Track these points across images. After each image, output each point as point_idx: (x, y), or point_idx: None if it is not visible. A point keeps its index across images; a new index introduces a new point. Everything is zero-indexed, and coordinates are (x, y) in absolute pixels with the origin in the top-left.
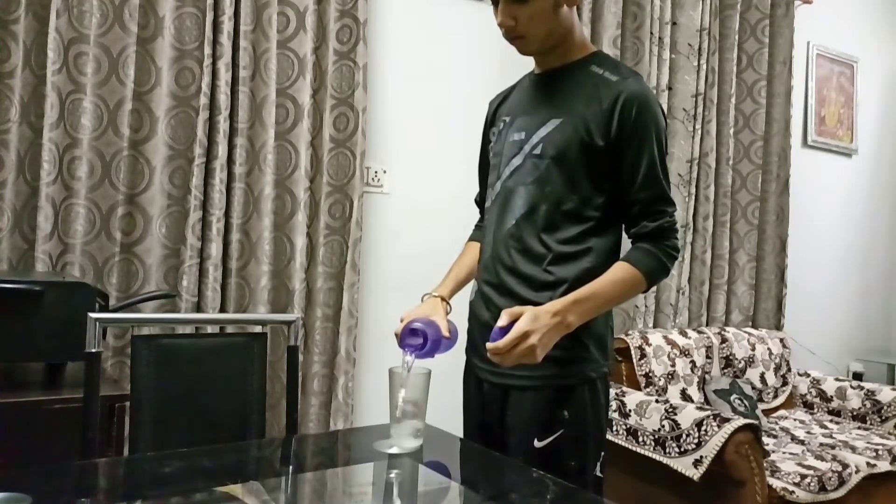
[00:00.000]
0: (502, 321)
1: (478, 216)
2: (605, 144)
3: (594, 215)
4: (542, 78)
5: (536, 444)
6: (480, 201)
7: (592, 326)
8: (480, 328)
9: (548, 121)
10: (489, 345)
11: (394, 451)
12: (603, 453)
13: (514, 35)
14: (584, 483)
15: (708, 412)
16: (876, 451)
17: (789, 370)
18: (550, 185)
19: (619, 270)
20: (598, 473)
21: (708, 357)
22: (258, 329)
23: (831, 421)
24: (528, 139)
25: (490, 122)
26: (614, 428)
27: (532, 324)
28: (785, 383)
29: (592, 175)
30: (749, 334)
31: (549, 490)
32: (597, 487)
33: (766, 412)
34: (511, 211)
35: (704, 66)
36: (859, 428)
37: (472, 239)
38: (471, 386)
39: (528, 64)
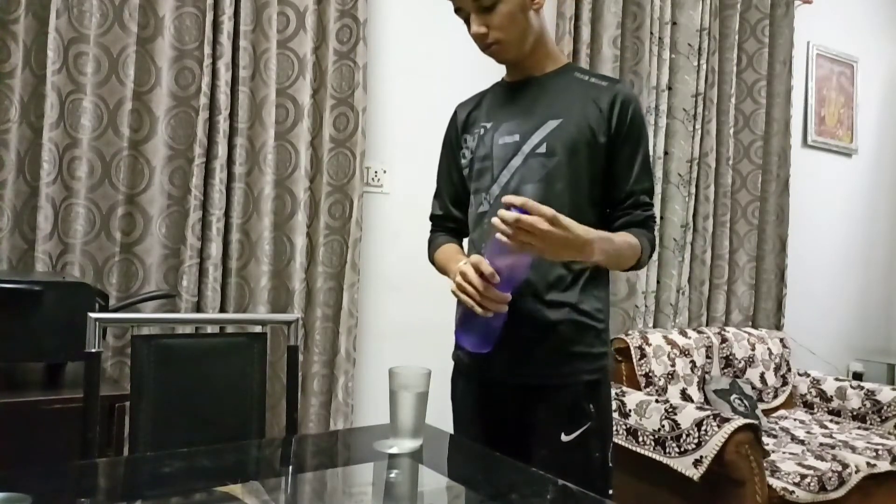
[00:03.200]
0: (517, 201)
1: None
2: (606, 141)
3: (590, 216)
4: (521, 86)
5: (564, 438)
6: (444, 215)
7: (605, 320)
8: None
9: (544, 122)
10: (530, 204)
11: (394, 451)
12: (612, 443)
13: (488, 43)
14: (604, 473)
15: (708, 412)
16: (876, 451)
17: (789, 370)
18: (561, 181)
19: (625, 235)
20: (610, 463)
21: (708, 357)
22: (258, 329)
23: (831, 421)
24: (524, 140)
25: (462, 129)
26: (614, 428)
27: (568, 220)
28: (785, 383)
29: (593, 173)
30: (749, 334)
31: (548, 490)
32: (610, 477)
33: (766, 412)
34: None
35: (704, 66)
36: (859, 428)
37: (442, 242)
38: (471, 391)
39: None
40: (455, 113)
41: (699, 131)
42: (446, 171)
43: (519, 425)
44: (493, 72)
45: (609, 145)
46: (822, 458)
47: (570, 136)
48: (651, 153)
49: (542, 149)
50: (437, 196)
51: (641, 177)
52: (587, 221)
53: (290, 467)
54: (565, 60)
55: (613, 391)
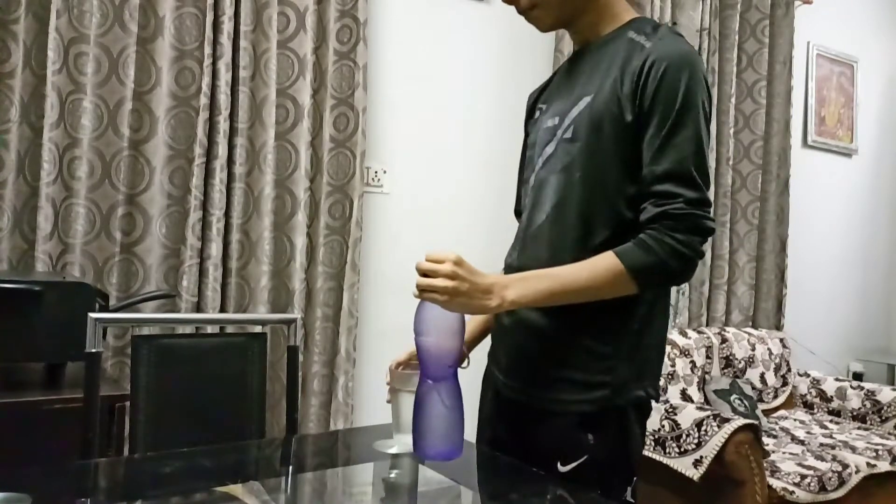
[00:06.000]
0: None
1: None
2: (633, 119)
3: (627, 215)
4: (577, 56)
5: (560, 468)
6: (517, 210)
7: (624, 347)
8: (502, 334)
9: (580, 100)
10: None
11: (394, 450)
12: (635, 478)
13: (524, 8)
14: None
15: (708, 412)
16: (876, 451)
17: (789, 370)
18: (581, 171)
19: (600, 258)
20: (630, 499)
21: (708, 357)
22: (258, 329)
23: (831, 421)
24: (560, 123)
25: (528, 114)
26: None
27: (462, 268)
28: (785, 383)
29: (625, 162)
30: (749, 334)
31: (548, 490)
32: None
33: (766, 412)
34: (542, 205)
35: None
36: (859, 428)
37: None
38: (488, 397)
39: (529, 63)
40: (528, 99)
41: None
42: (520, 163)
43: (519, 445)
44: (492, 73)
45: (638, 122)
46: (822, 459)
47: (594, 116)
48: None
49: (569, 133)
50: (517, 192)
51: (665, 153)
52: (618, 221)
53: (290, 467)
54: (628, 17)
55: None
